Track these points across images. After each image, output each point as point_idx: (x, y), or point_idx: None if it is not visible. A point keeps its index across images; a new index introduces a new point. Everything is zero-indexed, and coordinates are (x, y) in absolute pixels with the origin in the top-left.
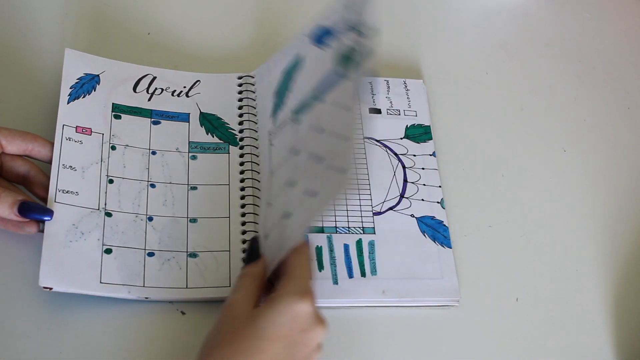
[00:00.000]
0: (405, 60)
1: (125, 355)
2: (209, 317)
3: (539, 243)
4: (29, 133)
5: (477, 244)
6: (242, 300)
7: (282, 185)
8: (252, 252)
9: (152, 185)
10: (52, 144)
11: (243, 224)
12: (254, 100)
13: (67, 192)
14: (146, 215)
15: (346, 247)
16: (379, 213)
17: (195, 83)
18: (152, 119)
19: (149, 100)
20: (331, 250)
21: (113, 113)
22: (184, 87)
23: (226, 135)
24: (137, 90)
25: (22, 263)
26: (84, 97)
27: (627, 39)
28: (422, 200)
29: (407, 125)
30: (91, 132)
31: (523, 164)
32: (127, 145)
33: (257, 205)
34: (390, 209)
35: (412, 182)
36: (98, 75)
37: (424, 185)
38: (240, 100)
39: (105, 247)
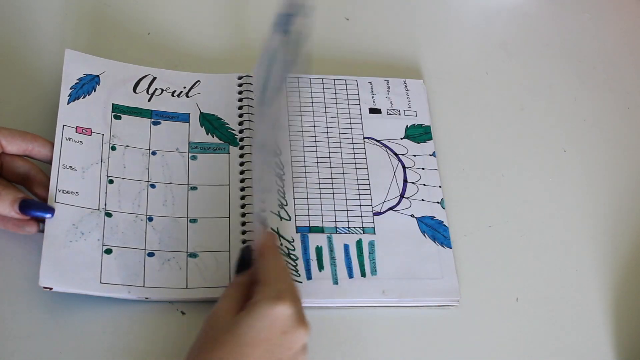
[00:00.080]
0: (405, 60)
1: (125, 356)
2: None
3: (539, 243)
4: (29, 133)
5: (477, 244)
6: (224, 309)
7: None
8: (243, 261)
9: (152, 186)
10: (52, 144)
11: (243, 224)
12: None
13: (67, 192)
14: (146, 215)
15: (346, 247)
16: (379, 213)
17: (195, 83)
18: (152, 120)
19: (149, 100)
20: (331, 250)
21: (113, 113)
22: (184, 87)
23: (226, 136)
24: (137, 91)
25: (22, 263)
26: (84, 97)
27: (627, 39)
28: (422, 200)
29: (407, 125)
30: (91, 132)
31: (523, 164)
32: (127, 146)
33: None
34: (390, 209)
35: (412, 182)
36: (98, 76)
37: (424, 185)
38: (240, 100)
39: (105, 247)
